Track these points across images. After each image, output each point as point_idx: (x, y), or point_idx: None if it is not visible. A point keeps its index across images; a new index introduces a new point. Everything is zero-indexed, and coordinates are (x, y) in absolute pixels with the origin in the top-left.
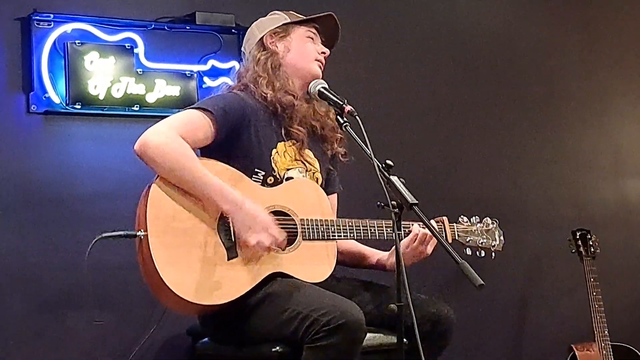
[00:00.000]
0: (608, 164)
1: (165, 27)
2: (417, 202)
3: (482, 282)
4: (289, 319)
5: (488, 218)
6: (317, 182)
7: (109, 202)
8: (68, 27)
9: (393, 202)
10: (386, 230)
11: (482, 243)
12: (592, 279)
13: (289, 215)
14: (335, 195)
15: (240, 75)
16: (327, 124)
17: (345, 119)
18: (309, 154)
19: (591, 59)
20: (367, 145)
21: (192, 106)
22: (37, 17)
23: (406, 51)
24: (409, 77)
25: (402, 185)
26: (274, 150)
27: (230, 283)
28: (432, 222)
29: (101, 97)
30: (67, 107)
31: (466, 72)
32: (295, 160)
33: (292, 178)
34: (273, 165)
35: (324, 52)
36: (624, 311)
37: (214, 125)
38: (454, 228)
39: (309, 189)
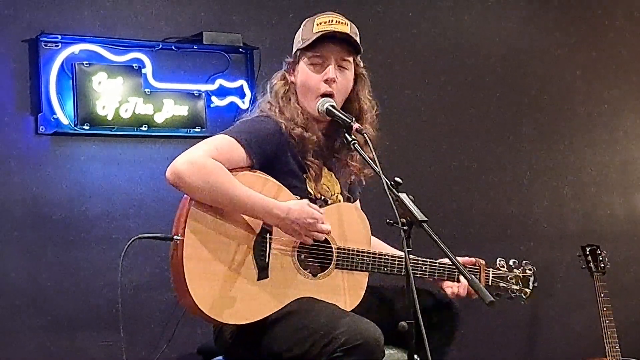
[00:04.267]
0: (617, 179)
1: (173, 47)
2: (426, 219)
3: (493, 299)
4: (307, 337)
5: (527, 263)
6: None
7: (119, 222)
8: (76, 48)
9: (402, 220)
10: (421, 267)
11: (514, 290)
12: (602, 294)
13: (327, 241)
14: (357, 202)
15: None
16: (342, 154)
17: (353, 137)
18: (331, 177)
19: (600, 75)
20: (375, 163)
21: (224, 131)
22: (45, 39)
23: (413, 69)
24: (416, 95)
25: (411, 203)
26: (307, 174)
27: (253, 304)
28: (466, 260)
29: (109, 117)
30: (75, 128)
31: (474, 88)
32: (323, 184)
33: (327, 201)
34: (309, 189)
35: (327, 79)
36: (635, 326)
37: (246, 153)
38: (489, 274)
39: (352, 215)
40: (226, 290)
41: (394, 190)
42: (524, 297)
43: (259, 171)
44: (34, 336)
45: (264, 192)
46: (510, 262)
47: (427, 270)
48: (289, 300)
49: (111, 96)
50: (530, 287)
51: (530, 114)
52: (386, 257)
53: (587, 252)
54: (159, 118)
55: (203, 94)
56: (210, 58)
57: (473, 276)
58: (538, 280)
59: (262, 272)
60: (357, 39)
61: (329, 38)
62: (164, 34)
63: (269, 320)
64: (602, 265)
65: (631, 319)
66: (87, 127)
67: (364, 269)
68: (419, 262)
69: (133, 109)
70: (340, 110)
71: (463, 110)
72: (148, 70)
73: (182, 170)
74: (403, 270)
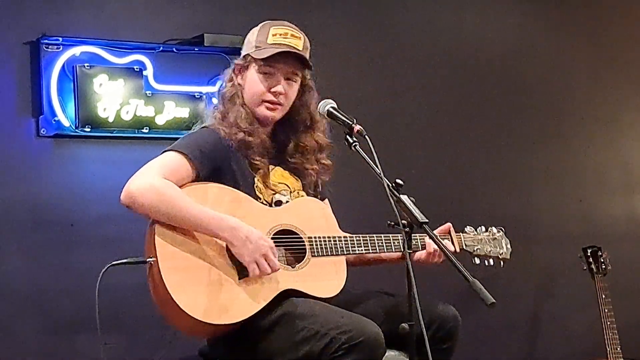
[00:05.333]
0: (618, 180)
1: (174, 49)
2: (427, 220)
3: (494, 300)
4: (306, 338)
5: (494, 227)
6: None
7: (119, 225)
8: (77, 50)
9: (403, 221)
10: (394, 243)
11: (489, 251)
12: (603, 296)
13: (297, 234)
14: (327, 201)
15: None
16: (296, 157)
17: (354, 138)
18: (286, 176)
19: (600, 75)
20: (376, 165)
21: (170, 147)
22: (46, 41)
23: (414, 69)
24: (417, 96)
25: (412, 204)
26: (257, 178)
27: (242, 302)
28: (437, 232)
29: (110, 119)
30: (76, 130)
31: (474, 89)
32: (279, 183)
33: (281, 202)
34: (258, 193)
35: (275, 92)
36: (636, 327)
37: (192, 166)
38: (460, 237)
39: (314, 207)
40: (211, 294)
41: (395, 192)
42: (500, 257)
43: (221, 185)
44: (35, 338)
45: (232, 203)
46: (478, 229)
47: (384, 244)
48: (275, 293)
49: (112, 98)
50: (504, 248)
51: (531, 115)
52: (357, 237)
53: (588, 254)
54: (160, 120)
55: (204, 96)
56: (212, 60)
57: (475, 279)
58: (510, 241)
59: (242, 271)
60: (308, 54)
61: (283, 52)
62: (165, 35)
63: (266, 323)
64: (604, 266)
65: (632, 320)
66: (88, 129)
67: (339, 253)
68: (374, 238)
69: (134, 111)
70: (342, 112)
71: (463, 110)
72: (149, 72)
73: (133, 191)
74: (378, 248)
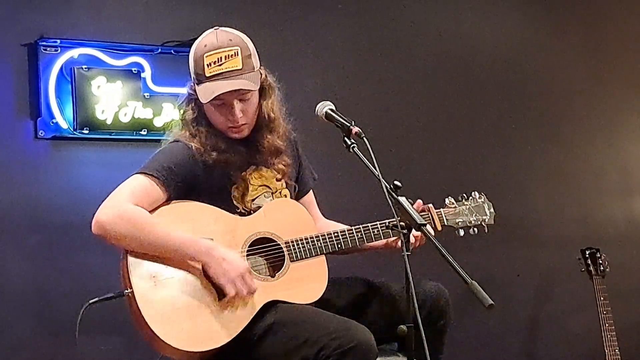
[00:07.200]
0: (617, 182)
1: (172, 51)
2: (425, 223)
3: (492, 302)
4: (298, 346)
5: (475, 192)
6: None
7: None
8: (75, 53)
9: (402, 224)
10: (373, 231)
11: (472, 221)
12: (602, 298)
13: (274, 240)
14: (311, 192)
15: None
16: (269, 161)
17: (352, 140)
18: (268, 176)
19: (599, 78)
20: (375, 167)
21: (139, 169)
22: (44, 43)
23: (413, 72)
24: (416, 97)
25: (410, 206)
26: (234, 187)
27: (226, 323)
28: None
29: (109, 121)
30: (74, 132)
31: (474, 91)
32: (260, 186)
33: (261, 206)
34: (235, 203)
35: (232, 119)
36: (634, 330)
37: (162, 187)
38: (441, 214)
39: (287, 208)
40: (192, 320)
41: (393, 194)
42: (484, 224)
43: (193, 202)
44: (34, 340)
45: (206, 219)
46: (459, 197)
47: (363, 236)
48: (258, 308)
49: (110, 100)
50: (488, 214)
51: (530, 117)
52: (335, 234)
53: (587, 256)
54: (158, 122)
55: None
56: None
57: (473, 281)
58: (493, 204)
59: (221, 291)
60: (252, 59)
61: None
62: (163, 37)
63: (257, 332)
64: (602, 268)
65: (631, 322)
66: (87, 132)
67: (318, 253)
68: (353, 230)
69: (132, 113)
70: (340, 114)
71: (463, 113)
72: (147, 74)
73: (104, 221)
74: (358, 241)
